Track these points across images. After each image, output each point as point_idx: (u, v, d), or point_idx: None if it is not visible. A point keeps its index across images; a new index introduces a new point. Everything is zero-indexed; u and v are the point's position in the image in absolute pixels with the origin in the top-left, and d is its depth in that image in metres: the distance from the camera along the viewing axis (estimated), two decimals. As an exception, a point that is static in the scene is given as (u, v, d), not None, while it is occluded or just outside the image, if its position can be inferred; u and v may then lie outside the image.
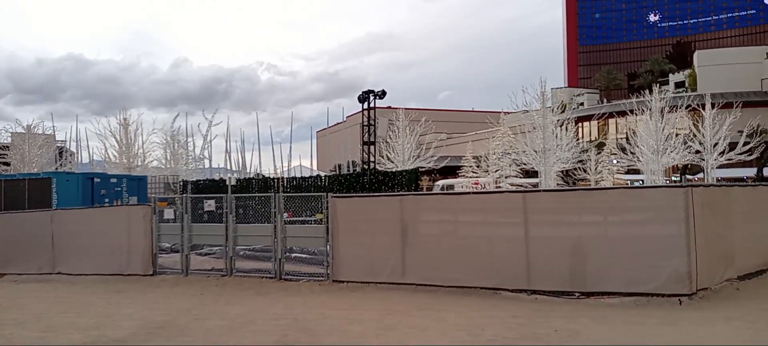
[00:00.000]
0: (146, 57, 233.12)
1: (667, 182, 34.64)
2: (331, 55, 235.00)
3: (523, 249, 9.98)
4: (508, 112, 35.66)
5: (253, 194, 17.24)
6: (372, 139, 20.40)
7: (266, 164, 61.66)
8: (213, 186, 22.89)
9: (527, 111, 29.30)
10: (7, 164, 37.59)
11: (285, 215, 22.42)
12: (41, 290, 12.79)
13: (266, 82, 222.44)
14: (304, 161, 69.55)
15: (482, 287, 10.26)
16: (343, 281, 11.49)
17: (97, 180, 18.18)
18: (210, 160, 39.97)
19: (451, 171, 43.44)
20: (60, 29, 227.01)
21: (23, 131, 35.02)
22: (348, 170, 56.21)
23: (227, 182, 17.59)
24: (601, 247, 9.66)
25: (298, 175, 26.98)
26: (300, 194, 12.99)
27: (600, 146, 40.53)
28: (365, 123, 20.14)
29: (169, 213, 13.64)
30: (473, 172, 38.25)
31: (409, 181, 18.72)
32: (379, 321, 8.22)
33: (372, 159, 20.08)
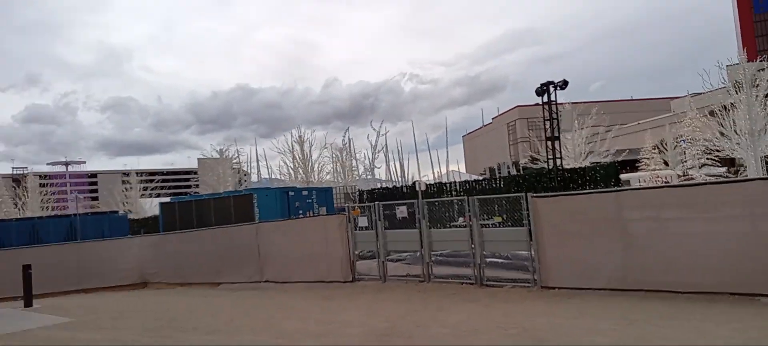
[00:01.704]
0: (301, 81, 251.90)
1: None
2: (470, 59, 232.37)
3: (786, 247, 8.34)
4: (695, 94, 31.46)
5: (447, 198, 17.10)
6: (556, 135, 19.09)
7: (420, 171, 62.18)
8: (388, 194, 23.43)
9: (723, 88, 25.43)
10: (197, 186, 42.87)
11: (460, 219, 21.93)
12: (258, 296, 13.85)
13: (409, 93, 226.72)
14: (454, 166, 68.93)
15: (731, 293, 8.80)
16: (552, 287, 10.71)
17: (291, 193, 19.59)
18: (374, 171, 41.49)
19: (627, 165, 39.75)
20: (229, 64, 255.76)
21: (217, 156, 39.66)
22: (508, 172, 54.38)
23: (417, 188, 17.77)
24: None
25: (450, 180, 26.67)
26: (493, 196, 12.42)
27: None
28: (547, 117, 18.92)
29: (362, 221, 13.99)
30: (655, 164, 34.51)
31: (605, 176, 17.16)
32: (622, 332, 7.30)
33: (558, 155, 18.80)
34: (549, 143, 19.31)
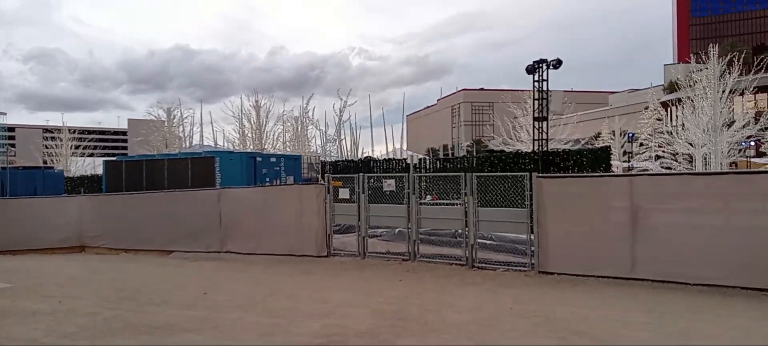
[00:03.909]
0: (246, 46, 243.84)
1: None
2: (420, 38, 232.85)
3: (806, 243, 8.15)
4: (632, 90, 32.15)
5: (441, 173, 16.32)
6: (545, 115, 18.67)
7: (373, 147, 61.34)
8: (352, 166, 22.48)
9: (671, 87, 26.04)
10: (125, 148, 39.90)
11: (429, 197, 21.22)
12: (223, 269, 12.59)
13: (357, 68, 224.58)
14: (398, 145, 68.20)
15: (743, 288, 8.58)
16: (551, 273, 10.22)
17: (259, 159, 18.15)
18: (337, 142, 40.06)
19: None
20: (169, 22, 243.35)
21: (164, 116, 36.88)
22: (452, 153, 54.40)
23: (408, 161, 16.86)
24: None
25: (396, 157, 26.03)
26: (495, 174, 11.78)
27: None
28: (536, 97, 18.44)
29: (344, 193, 13.01)
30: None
31: (594, 162, 16.91)
32: (659, 328, 6.79)
33: (545, 136, 18.43)
34: (536, 123, 18.85)
